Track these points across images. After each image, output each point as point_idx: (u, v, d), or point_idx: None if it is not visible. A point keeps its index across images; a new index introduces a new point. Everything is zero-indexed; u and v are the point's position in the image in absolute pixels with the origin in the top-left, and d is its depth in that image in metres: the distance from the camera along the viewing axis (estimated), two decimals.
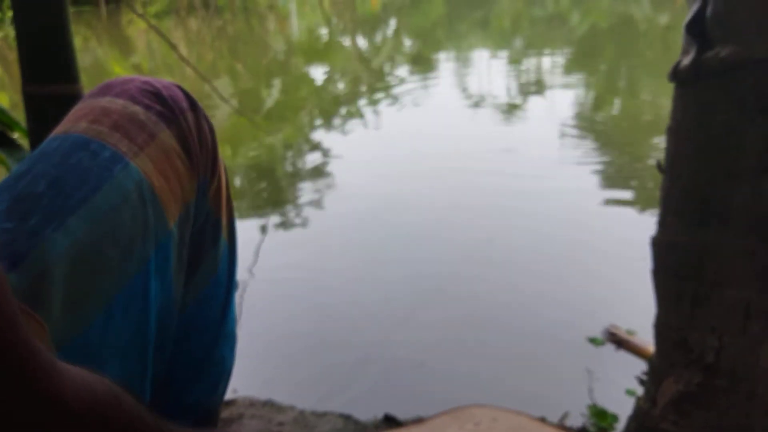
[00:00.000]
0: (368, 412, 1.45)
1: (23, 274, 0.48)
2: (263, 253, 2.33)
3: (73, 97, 1.36)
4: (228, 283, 0.69)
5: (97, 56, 7.11)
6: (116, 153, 0.55)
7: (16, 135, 1.54)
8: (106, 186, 0.53)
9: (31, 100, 1.37)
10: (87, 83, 1.42)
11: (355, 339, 1.80)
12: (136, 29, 9.09)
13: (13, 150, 1.48)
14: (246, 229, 2.53)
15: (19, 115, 1.52)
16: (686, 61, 0.90)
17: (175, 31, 8.70)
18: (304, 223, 2.69)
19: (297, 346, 1.78)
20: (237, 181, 3.19)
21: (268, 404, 1.48)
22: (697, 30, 0.87)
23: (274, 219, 2.76)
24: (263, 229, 2.59)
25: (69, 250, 0.50)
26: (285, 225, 2.70)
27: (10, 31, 7.76)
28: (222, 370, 0.69)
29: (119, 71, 6.22)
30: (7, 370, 0.32)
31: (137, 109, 0.58)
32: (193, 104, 0.63)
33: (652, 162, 3.09)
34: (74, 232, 0.51)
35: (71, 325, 0.49)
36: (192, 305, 0.64)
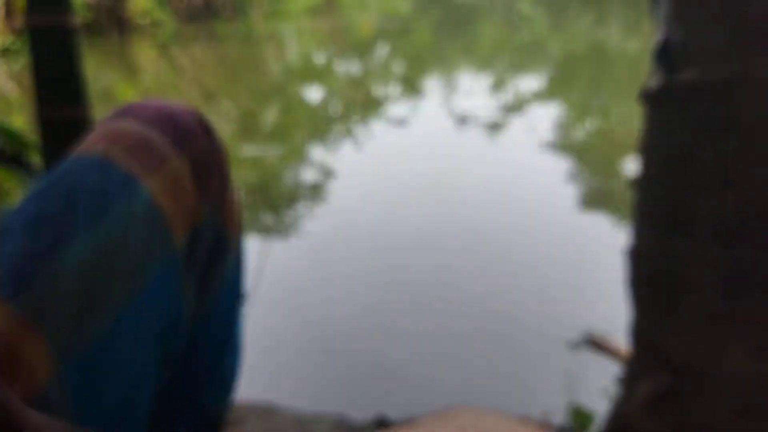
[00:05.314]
0: (361, 412, 1.44)
1: (33, 291, 0.48)
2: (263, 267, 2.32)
3: (82, 120, 1.36)
4: (236, 298, 0.68)
5: (109, 81, 7.10)
6: (128, 175, 0.54)
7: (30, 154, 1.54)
8: (117, 206, 0.53)
9: (44, 122, 1.37)
10: (99, 106, 1.43)
11: (347, 346, 1.80)
12: (145, 56, 9.10)
13: (28, 169, 1.48)
14: (249, 245, 2.52)
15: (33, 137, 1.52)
16: (654, 83, 0.91)
17: (181, 58, 8.72)
18: (300, 239, 2.69)
19: (294, 352, 1.77)
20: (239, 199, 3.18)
21: (269, 407, 1.47)
22: (664, 56, 0.88)
23: (274, 235, 2.75)
24: (269, 241, 2.58)
25: (78, 267, 0.50)
26: (281, 241, 2.69)
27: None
28: (228, 380, 0.69)
29: (130, 95, 6.21)
30: None
31: (152, 133, 0.57)
32: (206, 129, 0.61)
33: (627, 178, 3.11)
34: (84, 250, 0.51)
35: (77, 338, 0.49)
36: (202, 319, 0.63)
